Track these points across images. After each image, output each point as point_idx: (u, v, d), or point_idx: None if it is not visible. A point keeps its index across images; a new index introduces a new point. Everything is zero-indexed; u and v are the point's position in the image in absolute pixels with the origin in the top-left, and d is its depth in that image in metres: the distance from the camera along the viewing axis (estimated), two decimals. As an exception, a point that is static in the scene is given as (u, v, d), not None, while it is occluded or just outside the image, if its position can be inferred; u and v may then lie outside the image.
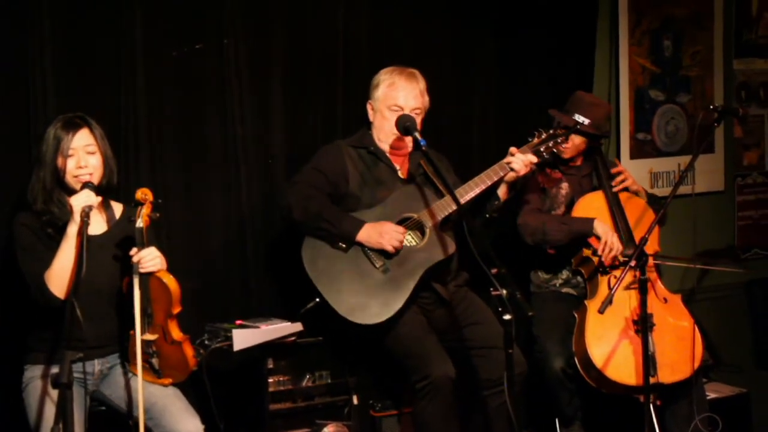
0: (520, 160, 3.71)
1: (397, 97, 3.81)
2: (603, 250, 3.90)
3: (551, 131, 3.83)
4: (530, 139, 3.82)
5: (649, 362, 3.61)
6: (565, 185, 4.17)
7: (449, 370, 3.61)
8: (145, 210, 3.24)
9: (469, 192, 3.73)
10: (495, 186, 3.77)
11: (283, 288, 4.11)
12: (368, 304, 3.64)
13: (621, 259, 3.90)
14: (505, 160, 3.75)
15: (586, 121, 4.02)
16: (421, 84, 3.87)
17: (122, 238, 3.39)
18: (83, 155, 3.29)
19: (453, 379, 3.60)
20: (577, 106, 4.08)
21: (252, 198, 4.12)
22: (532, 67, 4.70)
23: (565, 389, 3.94)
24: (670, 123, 5.21)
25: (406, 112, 3.77)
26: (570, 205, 4.13)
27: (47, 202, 3.28)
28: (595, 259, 3.95)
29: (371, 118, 3.91)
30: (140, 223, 3.23)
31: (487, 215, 3.85)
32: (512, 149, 3.76)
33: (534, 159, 3.75)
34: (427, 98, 3.88)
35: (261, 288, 4.14)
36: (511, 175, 3.74)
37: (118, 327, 3.39)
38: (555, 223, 4.05)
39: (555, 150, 3.85)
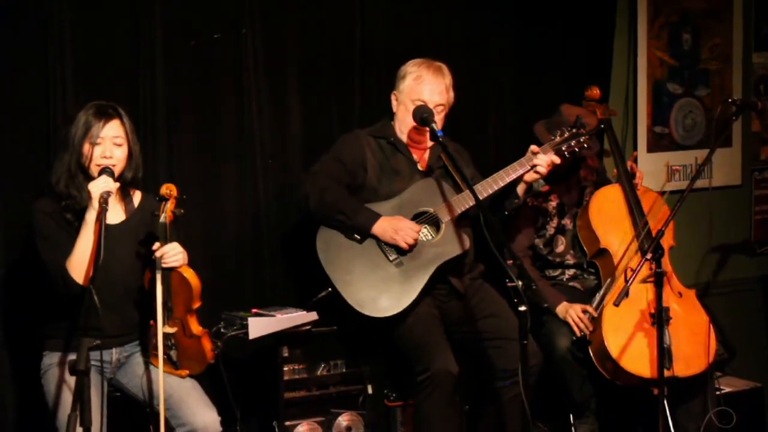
0: (543, 161, 3.66)
1: (422, 91, 3.77)
2: (579, 331, 3.87)
3: (574, 130, 3.76)
4: (552, 137, 3.76)
5: (664, 355, 3.60)
6: (553, 196, 4.13)
7: (450, 365, 3.58)
8: (169, 206, 3.25)
9: (488, 188, 3.69)
10: (513, 183, 3.73)
11: (297, 278, 4.12)
12: (379, 297, 3.63)
13: (590, 322, 3.85)
14: (527, 158, 3.70)
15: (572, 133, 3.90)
16: (447, 79, 3.83)
17: (140, 227, 3.40)
18: (110, 146, 3.29)
19: (454, 374, 3.57)
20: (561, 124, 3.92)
21: (268, 188, 4.12)
22: (548, 60, 4.67)
23: (575, 373, 3.92)
24: (687, 116, 5.18)
25: (430, 107, 3.73)
26: (562, 214, 4.11)
27: (69, 186, 3.27)
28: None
29: (394, 109, 3.87)
30: (164, 218, 3.23)
31: (506, 212, 3.82)
32: (533, 147, 3.70)
33: (557, 160, 3.70)
34: (452, 94, 3.85)
35: (275, 278, 4.15)
36: (532, 176, 3.71)
37: (137, 316, 3.41)
38: None
39: (577, 149, 3.76)
